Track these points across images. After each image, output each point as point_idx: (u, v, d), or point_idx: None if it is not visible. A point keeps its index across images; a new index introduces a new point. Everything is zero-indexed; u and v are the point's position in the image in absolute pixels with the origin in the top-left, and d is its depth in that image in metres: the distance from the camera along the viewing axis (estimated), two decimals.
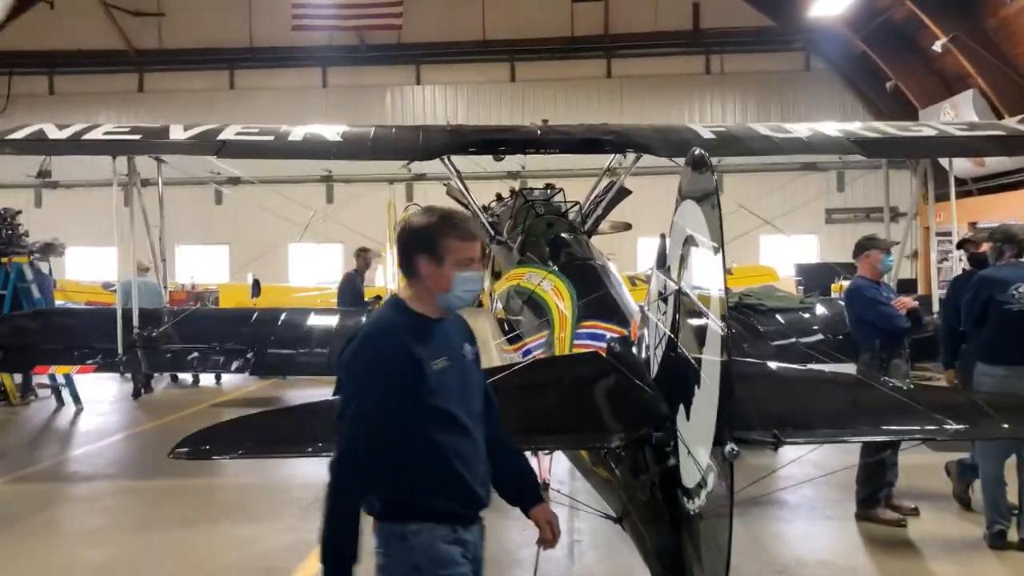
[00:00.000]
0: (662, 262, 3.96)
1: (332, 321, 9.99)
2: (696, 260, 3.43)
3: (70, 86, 26.25)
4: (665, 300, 3.86)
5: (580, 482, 5.06)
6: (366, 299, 12.75)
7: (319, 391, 11.81)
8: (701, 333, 3.30)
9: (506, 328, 7.30)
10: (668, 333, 3.74)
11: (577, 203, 9.85)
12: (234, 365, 8.89)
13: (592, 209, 10.13)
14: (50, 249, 14.52)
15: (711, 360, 3.15)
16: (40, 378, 13.35)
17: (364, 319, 9.53)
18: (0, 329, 9.26)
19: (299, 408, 5.45)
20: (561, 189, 10.25)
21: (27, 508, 7.69)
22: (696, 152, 3.50)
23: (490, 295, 8.47)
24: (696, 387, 3.33)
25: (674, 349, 3.65)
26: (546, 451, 5.33)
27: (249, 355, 8.94)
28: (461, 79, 25.99)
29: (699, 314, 3.32)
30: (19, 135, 9.07)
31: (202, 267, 24.56)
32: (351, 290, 12.59)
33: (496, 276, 8.67)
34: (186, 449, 4.13)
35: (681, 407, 3.49)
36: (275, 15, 24.39)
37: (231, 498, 7.95)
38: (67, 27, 25.71)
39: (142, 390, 14.40)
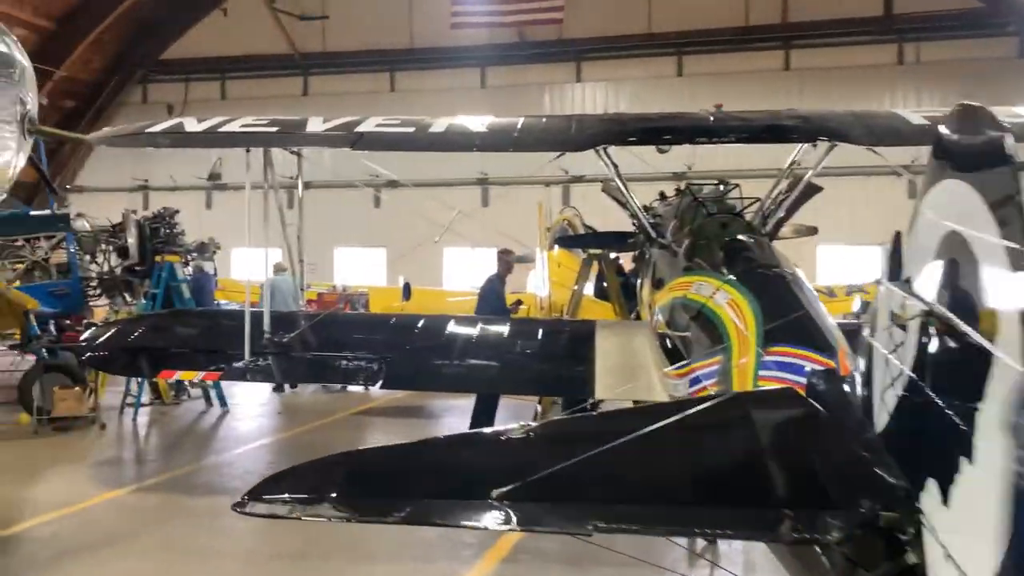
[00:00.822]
0: (895, 272, 2.75)
1: (473, 329, 9.05)
2: (970, 267, 2.20)
3: (240, 90, 27.06)
4: (903, 325, 2.63)
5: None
6: (508, 304, 11.79)
7: (465, 402, 11.13)
8: (976, 375, 2.07)
9: (669, 347, 6.11)
10: (907, 372, 2.53)
11: (757, 200, 8.44)
12: (364, 377, 8.11)
13: (773, 209, 8.69)
14: (204, 249, 14.58)
15: (996, 420, 1.92)
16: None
17: (505, 327, 8.61)
18: (131, 329, 8.93)
19: (425, 446, 4.04)
20: (736, 185, 8.87)
21: (143, 522, 7.24)
22: (965, 104, 2.30)
23: (649, 307, 7.28)
24: (965, 458, 2.12)
25: (919, 394, 2.42)
26: (709, 536, 3.89)
27: (381, 366, 8.13)
28: (624, 75, 24.71)
29: (972, 348, 2.09)
30: (158, 128, 8.74)
31: (360, 269, 24.63)
32: (492, 295, 11.63)
33: (657, 285, 7.46)
34: (256, 504, 3.09)
35: (931, 482, 2.30)
36: (435, 15, 24.11)
37: (346, 530, 7.14)
38: (238, 33, 26.56)
39: (285, 386, 14.15)
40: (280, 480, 3.26)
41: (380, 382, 8.15)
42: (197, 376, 8.85)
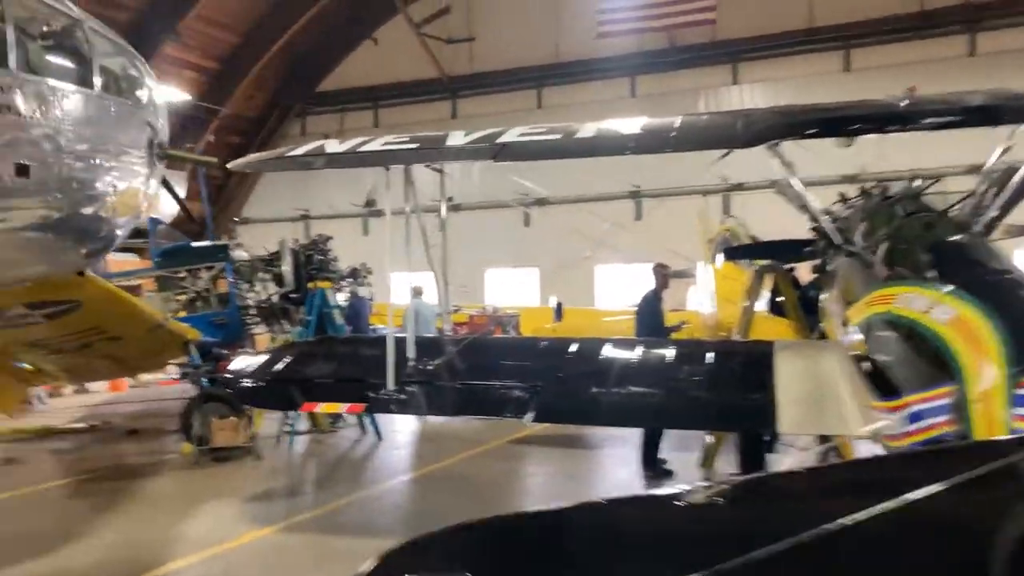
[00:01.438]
0: None
1: (632, 353, 8.16)
2: None
3: (392, 117, 27.43)
4: None
5: None
6: (668, 324, 10.81)
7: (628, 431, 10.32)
8: None
9: (873, 373, 5.05)
10: None
11: (971, 194, 7.14)
12: (513, 409, 7.41)
13: (984, 206, 7.35)
14: (356, 274, 14.49)
15: None
16: None
17: (669, 350, 7.71)
18: (275, 359, 8.65)
19: (587, 511, 3.04)
20: (935, 179, 7.59)
21: (282, 565, 6.79)
22: None
23: (841, 324, 6.20)
24: None
25: None
26: None
27: (532, 396, 7.41)
28: (784, 74, 23.12)
29: None
30: (299, 151, 8.48)
31: (511, 290, 24.22)
32: (650, 314, 10.65)
33: (848, 299, 6.37)
34: None
35: None
36: (581, 26, 23.53)
37: None
38: (388, 61, 27.01)
39: None
40: (408, 553, 2.54)
41: (531, 415, 7.44)
42: (341, 408, 8.43)
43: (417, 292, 10.78)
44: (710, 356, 7.49)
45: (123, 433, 13.93)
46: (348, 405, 7.96)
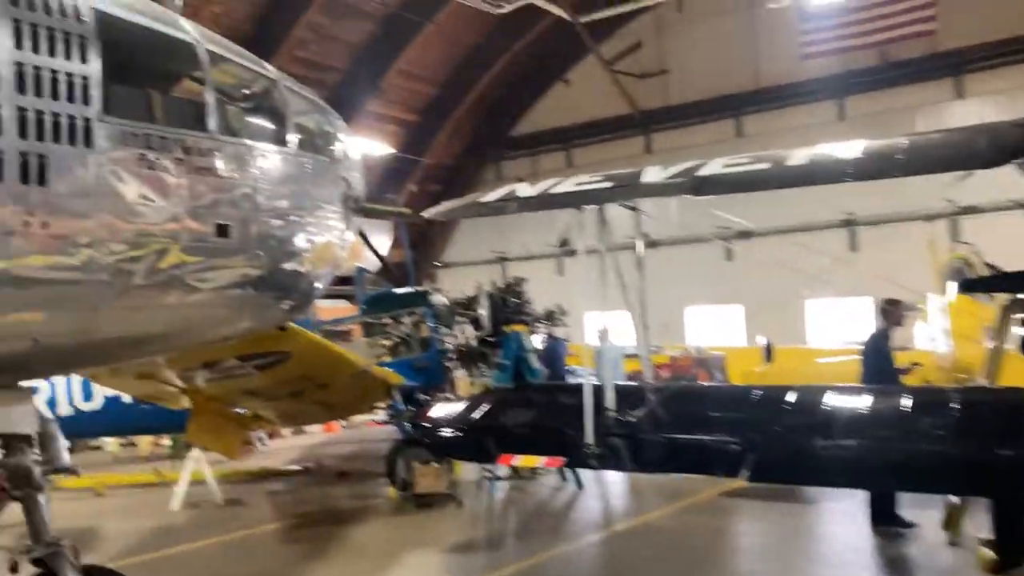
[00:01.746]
0: None
1: (862, 401, 7.26)
2: None
3: (585, 157, 27.33)
4: None
5: None
6: (898, 366, 9.65)
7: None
8: None
9: None
10: None
11: None
12: (722, 467, 6.76)
13: None
14: (551, 316, 14.28)
15: None
16: None
17: (905, 398, 6.77)
18: (471, 407, 8.46)
19: None
20: None
21: None
22: None
23: None
24: None
25: None
26: None
27: (746, 452, 6.71)
28: (1020, 84, 20.75)
29: None
30: (490, 197, 8.37)
31: (714, 329, 23.19)
32: (877, 355, 9.51)
33: None
34: None
35: None
36: (782, 50, 22.42)
37: None
38: (580, 102, 27.02)
39: None
40: None
41: (746, 473, 6.73)
42: (539, 462, 8.09)
43: (603, 334, 10.30)
44: (956, 405, 6.52)
45: (334, 475, 14.39)
46: (546, 459, 7.61)
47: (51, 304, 4.25)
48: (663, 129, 26.15)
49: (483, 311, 13.39)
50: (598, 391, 7.40)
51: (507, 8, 21.16)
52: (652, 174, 7.70)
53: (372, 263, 19.93)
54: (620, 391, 7.50)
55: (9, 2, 4.01)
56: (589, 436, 7.12)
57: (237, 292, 5.23)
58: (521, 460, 8.27)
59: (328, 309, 17.05)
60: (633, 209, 8.47)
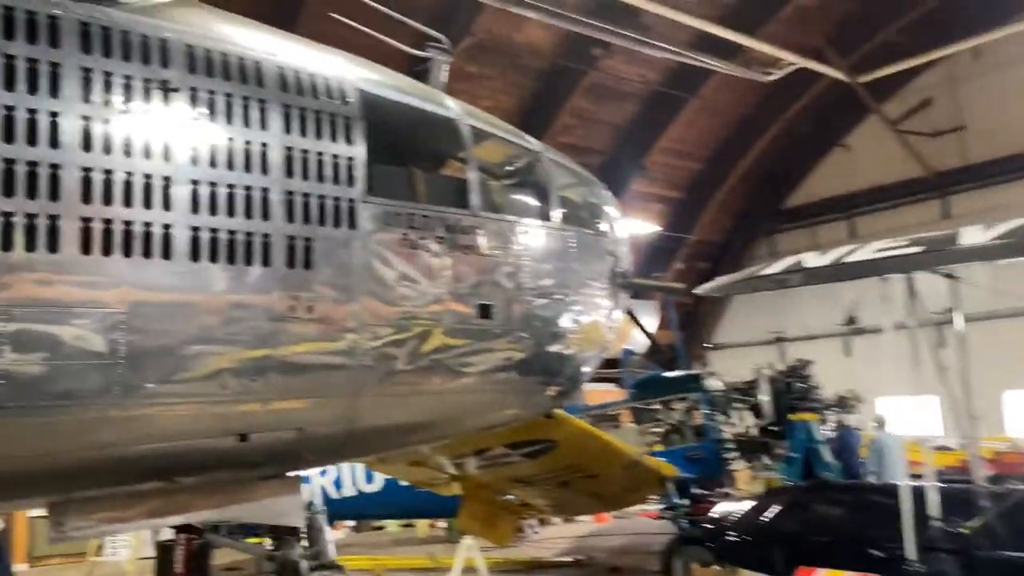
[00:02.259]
0: None
1: None
2: None
3: (870, 226, 25.10)
4: None
5: None
6: None
7: None
8: None
9: None
10: None
11: None
12: None
13: None
14: (843, 403, 12.78)
15: None
16: None
17: None
18: (760, 508, 7.46)
19: None
20: None
21: None
22: None
23: None
24: None
25: None
26: None
27: None
28: None
29: None
30: (772, 269, 7.55)
31: None
32: None
33: None
34: None
35: None
36: None
37: None
38: (862, 167, 25.08)
39: None
40: None
41: None
42: None
43: (880, 422, 8.86)
44: None
45: (606, 570, 13.66)
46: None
47: (315, 391, 4.09)
48: (963, 191, 23.46)
49: (764, 397, 12.25)
50: (916, 493, 6.19)
51: (778, 75, 20.16)
52: (972, 236, 6.54)
53: (640, 345, 19.36)
54: (946, 494, 6.23)
55: (279, 87, 4.00)
56: (910, 550, 5.93)
57: (501, 376, 4.87)
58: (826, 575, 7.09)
59: (595, 393, 16.65)
60: (949, 277, 7.24)
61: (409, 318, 4.31)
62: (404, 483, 11.88)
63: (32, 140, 3.30)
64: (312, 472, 13.03)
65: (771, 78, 20.51)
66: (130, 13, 3.69)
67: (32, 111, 3.32)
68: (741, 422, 12.86)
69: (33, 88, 3.34)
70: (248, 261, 3.78)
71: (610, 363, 18.61)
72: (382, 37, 5.41)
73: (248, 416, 3.89)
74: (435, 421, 4.75)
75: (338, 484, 13.26)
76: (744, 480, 13.13)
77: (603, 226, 5.58)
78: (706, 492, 12.21)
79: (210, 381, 3.71)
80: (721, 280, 8.66)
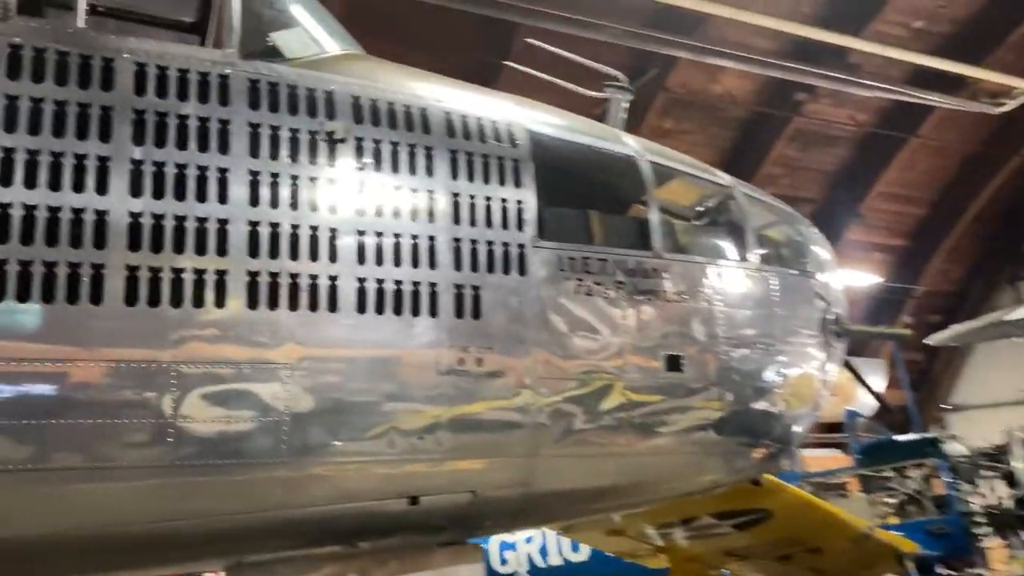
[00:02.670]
0: None
1: None
2: None
3: None
4: None
5: None
6: None
7: None
8: None
9: None
10: None
11: None
12: None
13: None
14: None
15: None
16: None
17: None
18: None
19: None
20: None
21: None
22: None
23: None
24: None
25: None
26: None
27: None
28: None
29: None
30: (1016, 315, 6.52)
31: None
32: None
33: None
34: None
35: None
36: None
37: None
38: None
39: None
40: None
41: None
42: None
43: None
44: None
45: None
46: None
47: (487, 451, 3.81)
48: None
49: (1019, 464, 10.68)
50: None
51: (1010, 105, 18.19)
52: None
53: (867, 406, 17.72)
54: None
55: (445, 133, 3.86)
56: None
57: (696, 437, 4.37)
58: None
59: (817, 459, 15.34)
60: None
61: (587, 372, 3.96)
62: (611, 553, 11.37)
63: (201, 196, 3.32)
64: (517, 538, 12.82)
65: (1002, 109, 18.51)
66: (297, 68, 3.71)
67: (202, 168, 3.35)
68: (992, 492, 11.26)
69: (203, 146, 3.38)
70: (415, 312, 3.61)
71: (833, 427, 17.15)
72: (571, 86, 5.20)
73: (418, 477, 3.66)
74: (621, 486, 4.31)
75: (544, 552, 12.91)
76: (999, 559, 11.42)
77: (810, 267, 4.97)
78: (954, 573, 10.71)
79: (378, 439, 3.53)
80: (958, 328, 7.63)
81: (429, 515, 3.78)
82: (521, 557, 13.21)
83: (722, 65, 16.29)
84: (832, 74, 16.78)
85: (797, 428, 5.02)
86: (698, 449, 4.43)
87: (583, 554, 12.51)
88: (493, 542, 12.55)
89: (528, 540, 12.89)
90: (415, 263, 3.63)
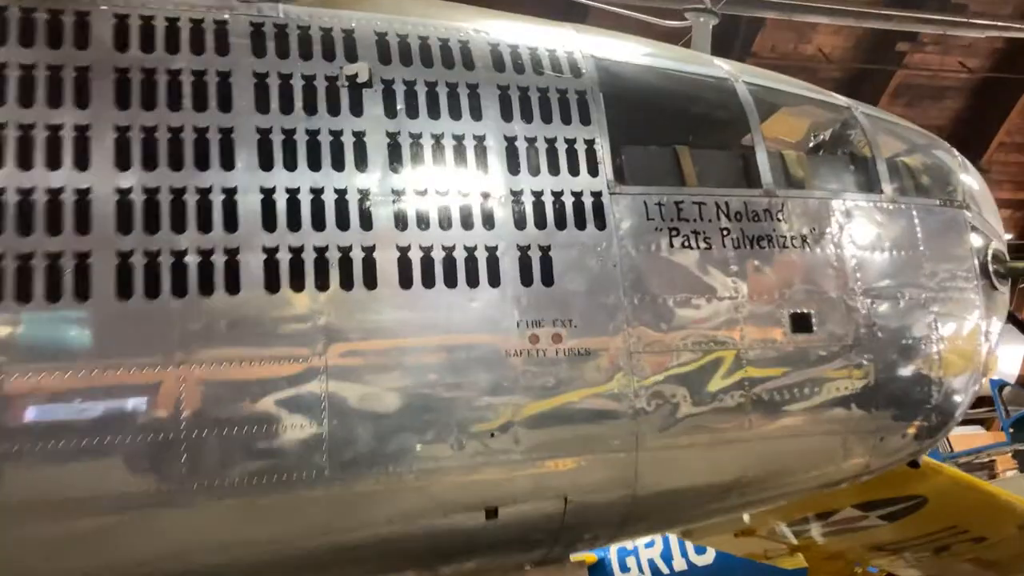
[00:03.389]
0: None
1: None
2: None
3: None
4: None
5: None
6: None
7: None
8: None
9: None
10: None
11: None
12: None
13: None
14: None
15: None
16: None
17: None
18: None
19: None
20: None
21: None
22: None
23: None
24: None
25: None
26: None
27: None
28: None
29: None
30: None
31: None
32: None
33: None
34: None
35: None
36: None
37: None
38: None
39: None
40: None
41: None
42: None
43: None
44: None
45: None
46: None
47: (576, 449, 3.10)
48: None
49: None
50: None
51: None
52: None
53: (1009, 374, 16.11)
54: None
55: (493, 67, 3.18)
56: None
57: (835, 414, 3.54)
58: None
59: (959, 436, 13.94)
60: None
61: (694, 343, 3.20)
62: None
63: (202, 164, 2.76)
64: (638, 542, 12.05)
65: None
66: (306, 6, 3.11)
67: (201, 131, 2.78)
68: None
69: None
70: (472, 282, 2.94)
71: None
72: (646, 17, 4.47)
73: (493, 485, 2.99)
74: (745, 480, 3.49)
75: (667, 557, 12.07)
76: None
77: (958, 196, 4.05)
78: None
79: (439, 443, 2.87)
80: None
81: (512, 529, 3.09)
82: (643, 563, 12.42)
83: (813, 22, 15.20)
84: (936, 17, 15.48)
85: (959, 396, 4.09)
86: (839, 429, 3.60)
87: (708, 557, 11.64)
88: (611, 548, 11.82)
89: (649, 544, 12.08)
90: (466, 224, 2.97)
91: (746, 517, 6.09)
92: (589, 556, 9.90)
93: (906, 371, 3.68)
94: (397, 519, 2.91)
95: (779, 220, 3.41)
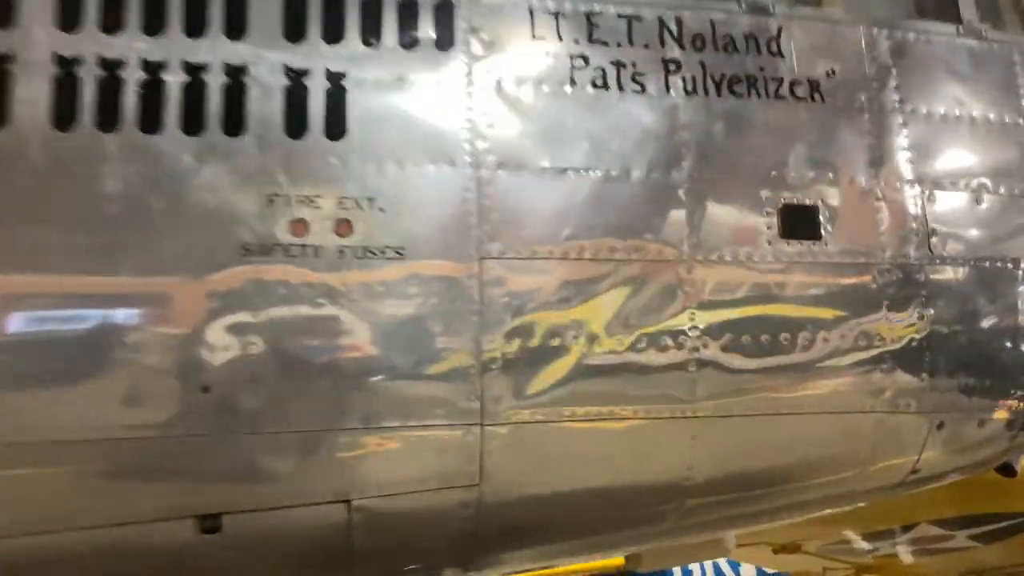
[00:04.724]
0: None
1: None
2: None
3: None
4: None
5: None
6: None
7: None
8: None
9: None
10: None
11: None
12: None
13: None
14: None
15: None
16: None
17: None
18: None
19: None
20: None
21: None
22: None
23: None
24: None
25: None
26: None
27: None
28: None
29: None
30: None
31: None
32: None
33: None
34: None
35: None
36: None
37: None
38: None
39: None
40: None
41: None
42: None
43: None
44: None
45: None
46: None
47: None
48: None
49: None
50: None
51: None
52: None
53: None
54: None
55: None
56: None
57: (851, 382, 2.16)
58: None
59: None
60: None
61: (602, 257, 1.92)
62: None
63: None
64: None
65: None
66: None
67: None
68: None
69: None
70: None
71: None
72: None
73: None
74: (775, 472, 2.15)
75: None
76: None
77: None
78: None
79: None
80: None
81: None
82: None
83: None
84: None
85: None
86: (886, 407, 2.22)
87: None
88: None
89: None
90: None
91: (776, 527, 4.68)
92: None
93: (986, 317, 2.26)
94: None
95: (772, 54, 2.06)
